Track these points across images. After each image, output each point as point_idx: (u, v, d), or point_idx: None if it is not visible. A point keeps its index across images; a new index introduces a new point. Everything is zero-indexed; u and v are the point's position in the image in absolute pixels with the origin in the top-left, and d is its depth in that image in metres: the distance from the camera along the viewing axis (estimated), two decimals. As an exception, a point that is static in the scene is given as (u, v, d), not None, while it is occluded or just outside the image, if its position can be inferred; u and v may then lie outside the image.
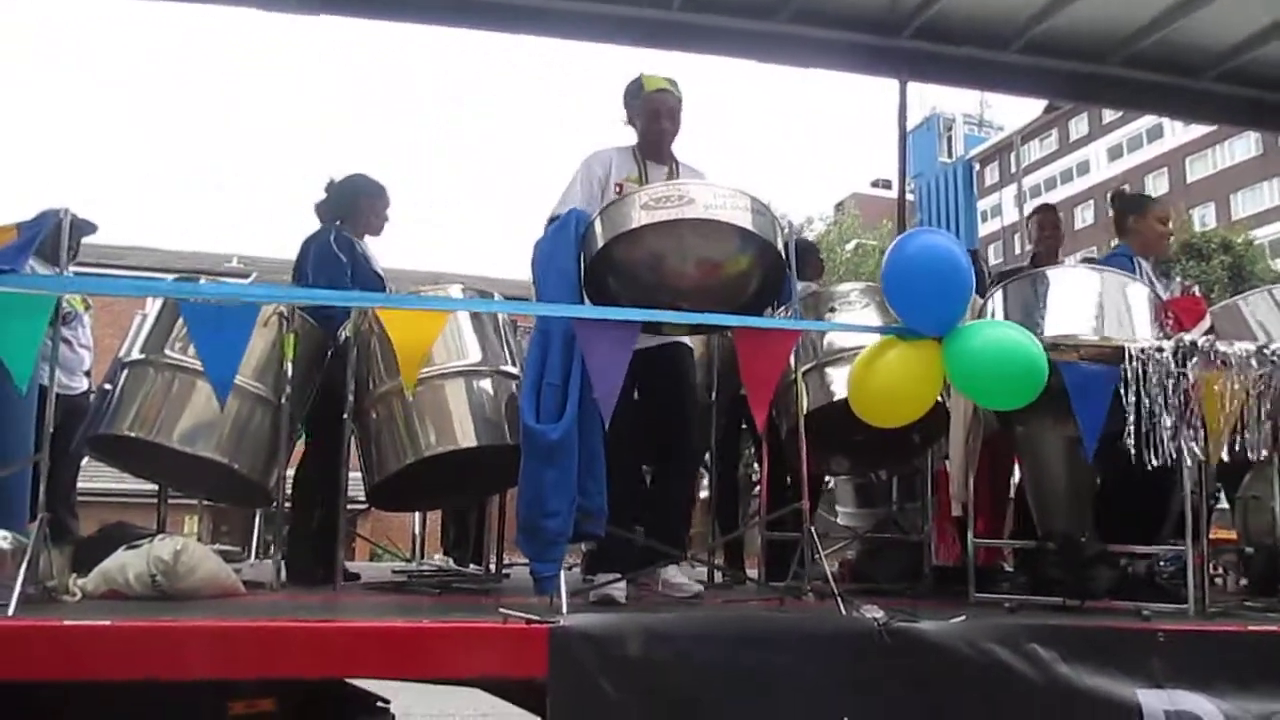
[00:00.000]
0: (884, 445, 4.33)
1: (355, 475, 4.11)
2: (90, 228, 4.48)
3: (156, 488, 4.44)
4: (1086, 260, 4.89)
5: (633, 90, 4.06)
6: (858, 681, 2.72)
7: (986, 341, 3.13)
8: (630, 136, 4.10)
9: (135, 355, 3.92)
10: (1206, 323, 4.11)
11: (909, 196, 8.32)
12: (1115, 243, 4.94)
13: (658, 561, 3.86)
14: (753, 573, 4.66)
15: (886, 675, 2.73)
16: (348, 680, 3.04)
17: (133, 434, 3.80)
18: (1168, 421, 3.27)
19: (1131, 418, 3.31)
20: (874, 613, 2.83)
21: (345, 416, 3.92)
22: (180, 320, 3.68)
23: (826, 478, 5.49)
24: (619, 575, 3.61)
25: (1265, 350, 3.34)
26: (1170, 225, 4.66)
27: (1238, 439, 3.39)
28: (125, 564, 3.31)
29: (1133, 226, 4.70)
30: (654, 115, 4.01)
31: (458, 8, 5.28)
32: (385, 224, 4.83)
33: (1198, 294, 4.69)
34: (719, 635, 2.78)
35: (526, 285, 3.68)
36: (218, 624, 2.60)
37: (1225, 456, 3.51)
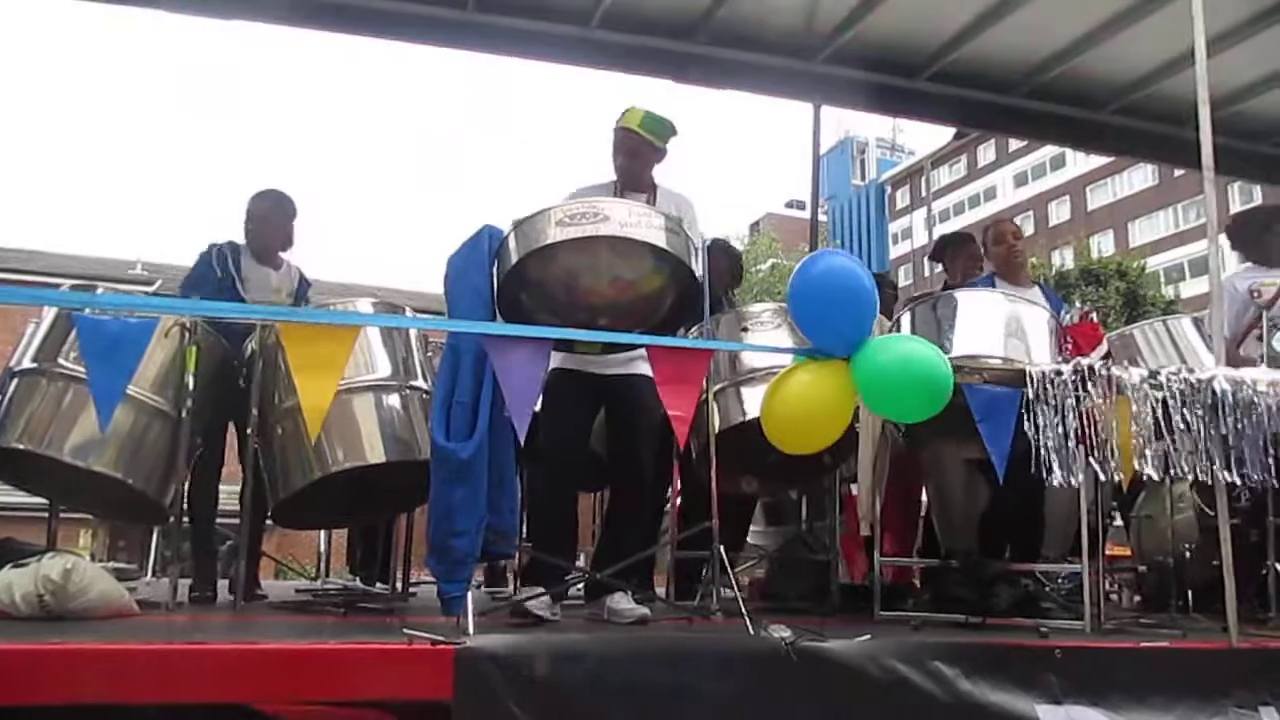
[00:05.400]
0: (794, 465, 4.37)
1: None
2: None
3: (47, 502, 4.27)
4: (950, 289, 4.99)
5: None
6: (765, 701, 2.74)
7: (892, 356, 3.18)
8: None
9: (27, 364, 3.78)
10: (1104, 348, 4.26)
11: (822, 218, 8.45)
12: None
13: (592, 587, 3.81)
14: (661, 591, 4.66)
15: (793, 695, 2.75)
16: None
17: (21, 446, 3.66)
18: (1065, 443, 3.37)
19: (1034, 439, 3.40)
20: (781, 632, 2.84)
21: (250, 431, 3.83)
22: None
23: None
24: (544, 591, 3.54)
25: (1158, 375, 3.46)
26: (1003, 245, 4.82)
27: (1135, 460, 3.50)
28: (11, 583, 3.17)
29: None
30: (614, 149, 4.05)
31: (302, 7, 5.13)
32: (267, 247, 4.70)
33: (1095, 320, 4.83)
34: (627, 655, 2.76)
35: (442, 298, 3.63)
36: (109, 647, 2.50)
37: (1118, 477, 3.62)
